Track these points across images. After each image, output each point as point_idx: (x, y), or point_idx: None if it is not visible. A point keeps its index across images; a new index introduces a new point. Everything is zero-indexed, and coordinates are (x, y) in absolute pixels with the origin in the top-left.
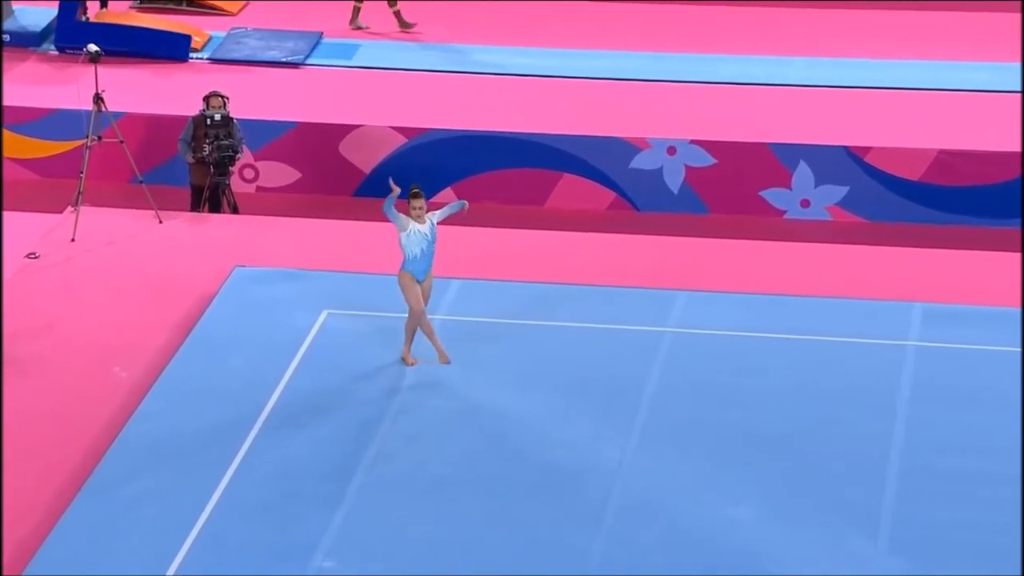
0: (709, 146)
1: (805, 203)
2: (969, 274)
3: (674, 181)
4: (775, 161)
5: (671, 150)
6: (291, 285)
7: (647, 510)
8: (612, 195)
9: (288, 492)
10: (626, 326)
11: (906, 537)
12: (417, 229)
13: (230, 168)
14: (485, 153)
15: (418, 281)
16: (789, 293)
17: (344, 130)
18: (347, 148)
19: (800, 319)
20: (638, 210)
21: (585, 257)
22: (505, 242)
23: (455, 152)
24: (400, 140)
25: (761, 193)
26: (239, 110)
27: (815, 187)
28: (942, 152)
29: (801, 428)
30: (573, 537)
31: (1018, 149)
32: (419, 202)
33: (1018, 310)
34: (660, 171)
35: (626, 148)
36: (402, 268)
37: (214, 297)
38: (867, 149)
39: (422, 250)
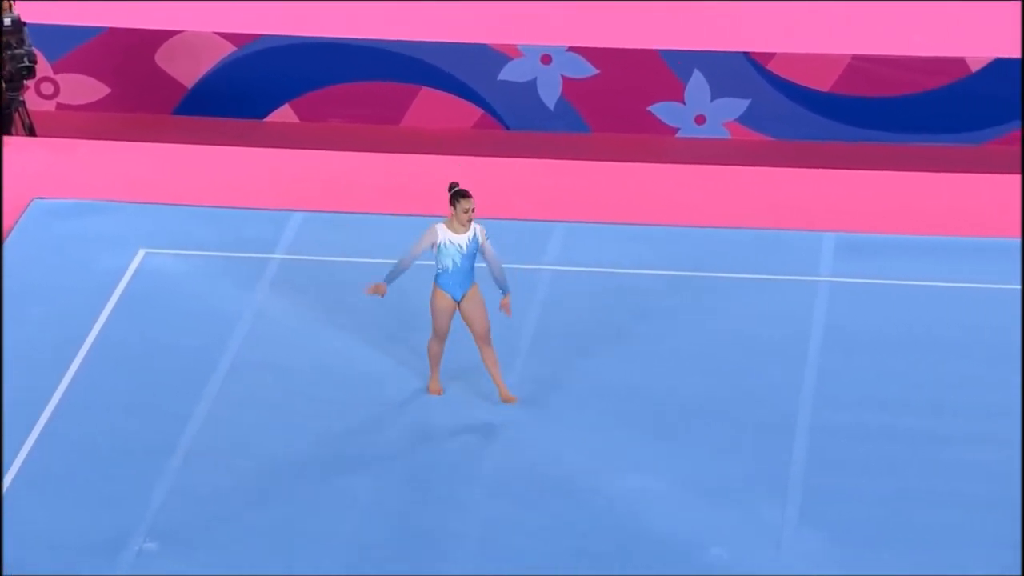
0: (590, 54)
1: (700, 119)
2: (887, 198)
3: (550, 95)
4: (666, 71)
5: (546, 59)
6: (101, 220)
7: (525, 480)
8: (478, 112)
9: (101, 466)
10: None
11: (818, 506)
12: (451, 240)
13: (25, 83)
14: (329, 63)
15: (456, 300)
16: (683, 223)
17: (161, 36)
18: (164, 58)
19: (696, 253)
20: (508, 129)
21: (447, 184)
22: (355, 167)
23: (293, 63)
24: (227, 48)
25: (650, 108)
26: (32, 13)
27: (711, 101)
28: (856, 58)
29: (701, 380)
30: (442, 519)
31: (946, 53)
32: (468, 203)
33: (946, 238)
34: (533, 83)
35: (494, 57)
36: (435, 281)
37: (8, 235)
38: (770, 56)
39: (455, 263)
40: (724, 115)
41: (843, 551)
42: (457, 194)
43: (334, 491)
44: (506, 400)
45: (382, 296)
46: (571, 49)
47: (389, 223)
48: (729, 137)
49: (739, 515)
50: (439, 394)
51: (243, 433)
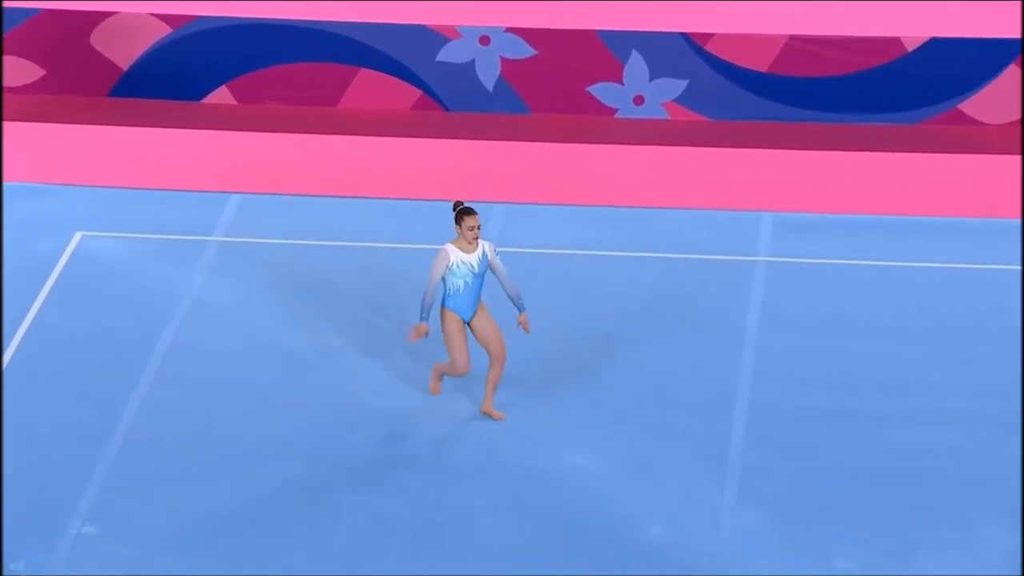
0: (528, 35)
1: (639, 100)
2: (825, 178)
3: (488, 76)
4: (605, 51)
5: (484, 39)
6: (37, 203)
7: (466, 462)
8: (417, 93)
9: (37, 451)
10: (436, 244)
11: (758, 485)
12: (462, 261)
13: None
14: (267, 45)
15: (465, 321)
16: (622, 204)
17: (96, 18)
18: (100, 39)
19: (635, 233)
20: (447, 110)
21: (387, 165)
22: (293, 149)
23: (230, 44)
24: (164, 30)
25: (589, 89)
26: None
27: (650, 81)
28: (793, 38)
29: (641, 359)
30: (381, 498)
31: (882, 33)
32: (474, 220)
33: (883, 217)
34: (472, 64)
35: (432, 38)
36: (443, 304)
37: None
38: (708, 36)
39: (466, 283)
40: (662, 96)
41: (782, 528)
42: (462, 212)
43: (271, 473)
44: (487, 413)
45: (427, 335)
46: (509, 30)
47: (327, 205)
48: (668, 117)
49: (679, 494)
50: (436, 394)
51: (181, 416)
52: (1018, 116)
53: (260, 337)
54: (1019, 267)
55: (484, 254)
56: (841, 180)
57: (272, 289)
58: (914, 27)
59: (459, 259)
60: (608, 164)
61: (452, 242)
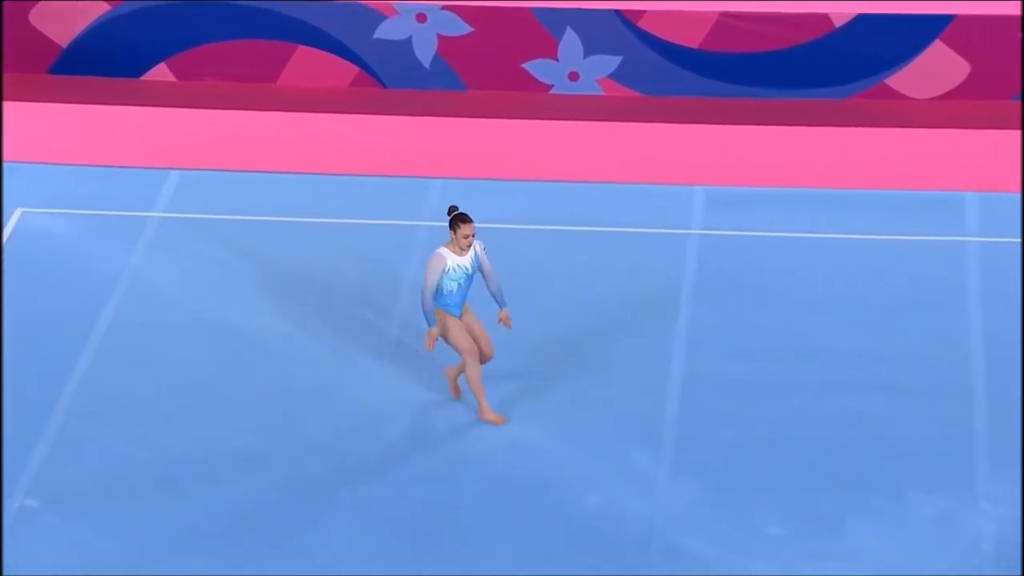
0: (464, 12)
1: (574, 76)
2: (757, 152)
3: (425, 53)
4: (539, 28)
5: (421, 17)
6: None
7: (406, 433)
8: (355, 70)
9: None
10: (375, 220)
11: (692, 454)
12: (458, 264)
13: None
14: (205, 22)
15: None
16: (557, 178)
17: None
18: (39, 17)
19: (571, 207)
20: (385, 87)
21: (325, 141)
22: (232, 125)
23: (168, 21)
24: (102, 8)
25: (524, 65)
26: None
27: (584, 58)
28: (724, 15)
29: (574, 332)
30: (320, 472)
31: (810, 10)
32: (469, 228)
33: (814, 190)
34: (409, 42)
35: (369, 15)
36: (436, 304)
37: None
38: (640, 13)
39: (459, 285)
40: (597, 72)
41: (715, 497)
42: (457, 218)
43: (214, 445)
44: (489, 420)
45: (437, 337)
46: (446, 7)
47: (267, 181)
48: (602, 93)
49: (614, 464)
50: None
51: (123, 391)
52: (944, 90)
53: (201, 313)
54: (944, 238)
55: (476, 256)
56: (772, 154)
57: (213, 265)
58: (842, 4)
59: (455, 263)
60: (543, 139)
61: (446, 245)
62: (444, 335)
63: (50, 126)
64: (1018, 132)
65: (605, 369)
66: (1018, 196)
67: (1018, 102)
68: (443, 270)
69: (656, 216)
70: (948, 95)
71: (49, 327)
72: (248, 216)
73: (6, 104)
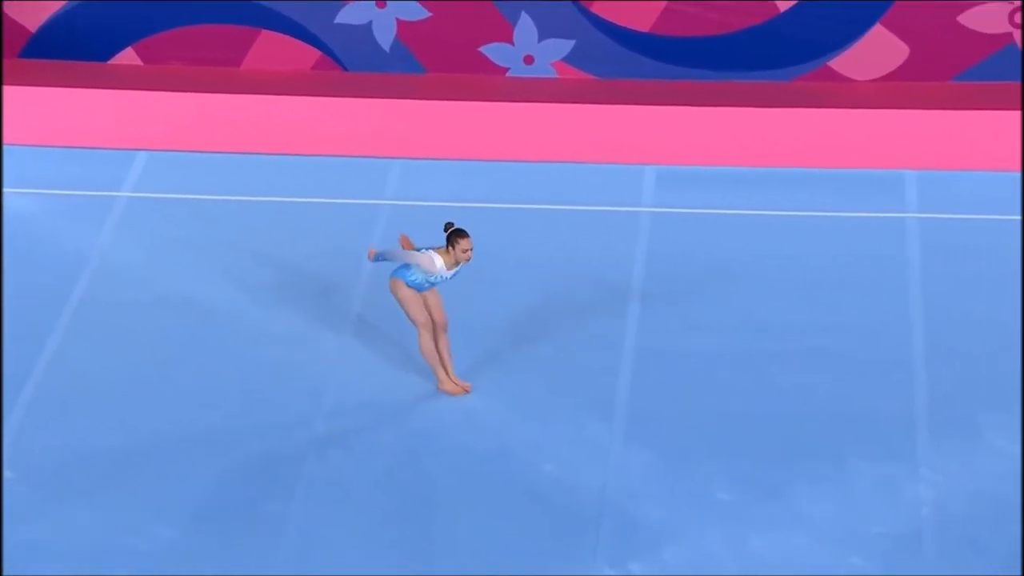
0: None
1: (529, 59)
2: (705, 133)
3: (385, 37)
4: (496, 13)
5: (380, 3)
6: None
7: (368, 407)
8: (317, 54)
9: None
10: (338, 199)
11: (644, 423)
12: (444, 273)
13: None
14: (169, 7)
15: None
16: (513, 158)
17: None
18: (9, 3)
19: (527, 186)
20: (346, 70)
21: (289, 123)
22: (197, 108)
23: (135, 6)
24: None
25: (481, 49)
26: None
27: (539, 42)
28: (673, 1)
29: (530, 307)
30: (283, 444)
31: None
32: (467, 243)
33: (760, 169)
34: (369, 26)
35: (330, 1)
36: (399, 277)
37: None
38: None
39: (432, 283)
40: (551, 55)
41: (666, 465)
42: (455, 233)
43: (181, 421)
44: (453, 389)
45: (370, 258)
46: None
47: (232, 162)
48: (556, 76)
49: (569, 434)
50: (466, 390)
51: (92, 367)
52: (884, 72)
53: (167, 290)
54: (885, 215)
55: (460, 268)
56: (719, 134)
57: (179, 243)
58: None
59: (441, 271)
60: (500, 121)
61: (438, 251)
62: (401, 304)
63: (21, 109)
64: (957, 112)
65: (561, 343)
66: (954, 174)
67: (957, 83)
68: (427, 272)
69: (609, 195)
70: (888, 77)
71: (19, 305)
72: (214, 196)
73: None
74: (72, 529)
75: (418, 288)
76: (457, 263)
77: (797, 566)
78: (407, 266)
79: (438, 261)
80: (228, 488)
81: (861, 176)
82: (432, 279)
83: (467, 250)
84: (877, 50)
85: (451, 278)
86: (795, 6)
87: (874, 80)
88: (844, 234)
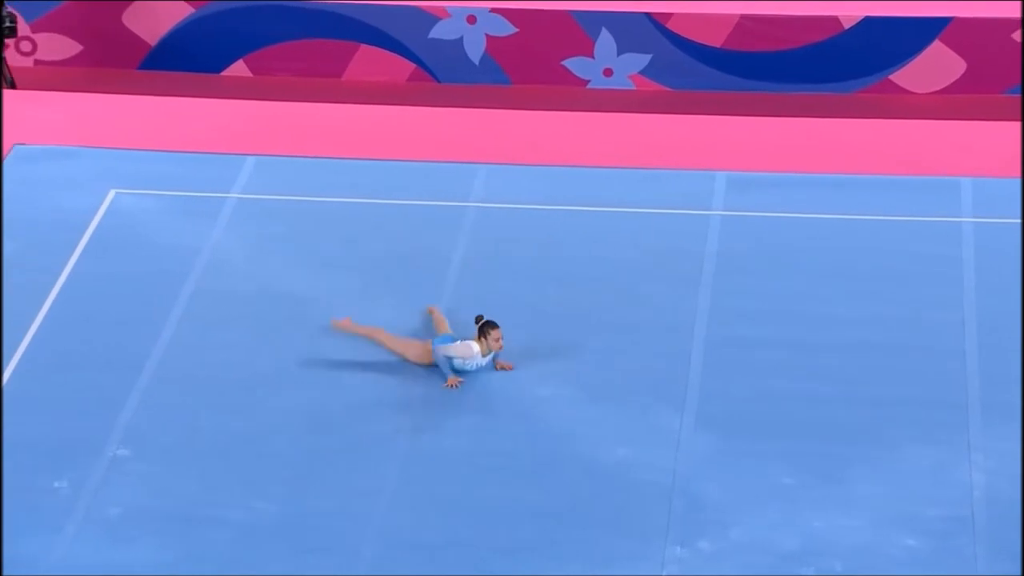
0: (510, 14)
1: (608, 72)
2: (771, 140)
3: (475, 51)
4: (578, 29)
5: (471, 19)
6: (74, 163)
7: (454, 392)
8: (411, 66)
9: (77, 382)
10: (428, 201)
11: (712, 410)
12: (480, 361)
13: (6, 41)
14: (278, 23)
15: (434, 365)
16: (593, 164)
17: None
18: (131, 19)
19: (604, 190)
20: (439, 81)
21: (385, 131)
22: (301, 116)
23: (246, 22)
24: (186, 10)
25: (564, 62)
26: None
27: (618, 56)
28: (744, 18)
29: (606, 302)
30: (377, 424)
31: (821, 13)
32: (498, 332)
33: (822, 175)
34: (460, 41)
35: (425, 17)
36: (440, 349)
37: None
38: (669, 15)
39: (467, 371)
40: (629, 68)
41: (733, 448)
42: (487, 325)
43: (283, 401)
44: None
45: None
46: (493, 10)
47: (332, 166)
48: (634, 88)
49: (641, 420)
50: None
51: (204, 352)
52: (942, 85)
53: (271, 282)
54: (942, 219)
55: (494, 355)
56: (785, 143)
57: (282, 241)
58: (850, 7)
59: (477, 358)
60: (580, 129)
61: (476, 341)
62: (403, 347)
63: (140, 116)
64: (1010, 123)
65: (634, 334)
66: (1007, 181)
67: (1010, 96)
68: (464, 358)
69: (682, 198)
70: (946, 90)
71: (138, 294)
72: (315, 197)
73: (102, 96)
74: (177, 500)
75: (453, 370)
76: (490, 351)
77: (854, 546)
78: (451, 357)
79: (475, 348)
80: (323, 463)
81: (920, 182)
82: (467, 365)
83: (498, 339)
84: (936, 64)
85: (485, 364)
86: (859, 23)
87: (932, 93)
88: (902, 236)
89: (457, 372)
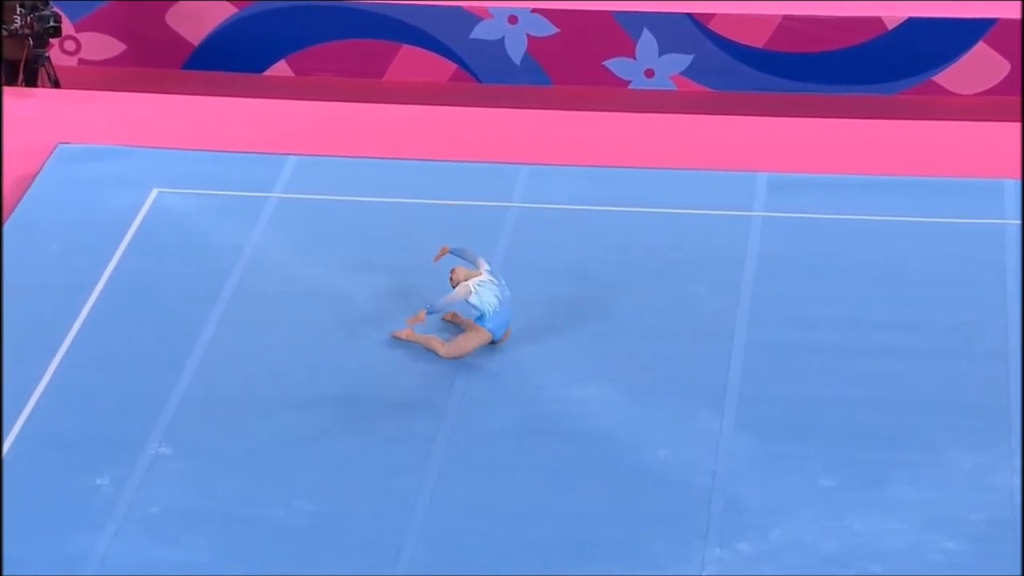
0: (551, 15)
1: (649, 73)
2: (813, 141)
3: (516, 51)
4: (619, 29)
5: (512, 19)
6: (118, 162)
7: (494, 392)
8: (453, 67)
9: (119, 379)
10: (470, 201)
11: (752, 413)
12: (479, 281)
13: (50, 40)
14: (320, 23)
15: (495, 340)
16: (634, 165)
17: None
18: (174, 18)
19: (645, 190)
20: (480, 82)
21: (427, 131)
22: (342, 116)
23: (288, 22)
24: (230, 10)
25: (605, 63)
26: None
27: (659, 56)
28: (786, 18)
29: (647, 302)
30: (417, 424)
31: (864, 13)
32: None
33: (864, 176)
34: (502, 41)
35: (467, 17)
36: (481, 324)
37: (35, 176)
38: (711, 16)
39: (498, 299)
40: (670, 69)
41: (773, 451)
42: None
43: (323, 398)
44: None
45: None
46: (535, 11)
47: (373, 165)
48: (675, 88)
49: (682, 422)
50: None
51: (244, 351)
52: (986, 87)
53: (311, 281)
54: (984, 221)
55: (490, 271)
56: (828, 144)
57: (323, 240)
58: (893, 7)
59: (476, 282)
60: (622, 130)
61: (468, 278)
62: (463, 339)
63: (183, 116)
64: None
65: (673, 335)
66: None
67: None
68: (469, 292)
69: (723, 199)
70: (989, 91)
71: (180, 292)
72: (357, 197)
73: (145, 96)
74: (218, 499)
75: (494, 323)
76: (476, 273)
77: (894, 549)
78: (484, 314)
79: (462, 285)
80: (363, 463)
81: (962, 184)
82: (482, 292)
83: (450, 275)
84: (979, 66)
85: (501, 281)
86: (902, 24)
87: (976, 94)
88: (945, 238)
89: (488, 320)
